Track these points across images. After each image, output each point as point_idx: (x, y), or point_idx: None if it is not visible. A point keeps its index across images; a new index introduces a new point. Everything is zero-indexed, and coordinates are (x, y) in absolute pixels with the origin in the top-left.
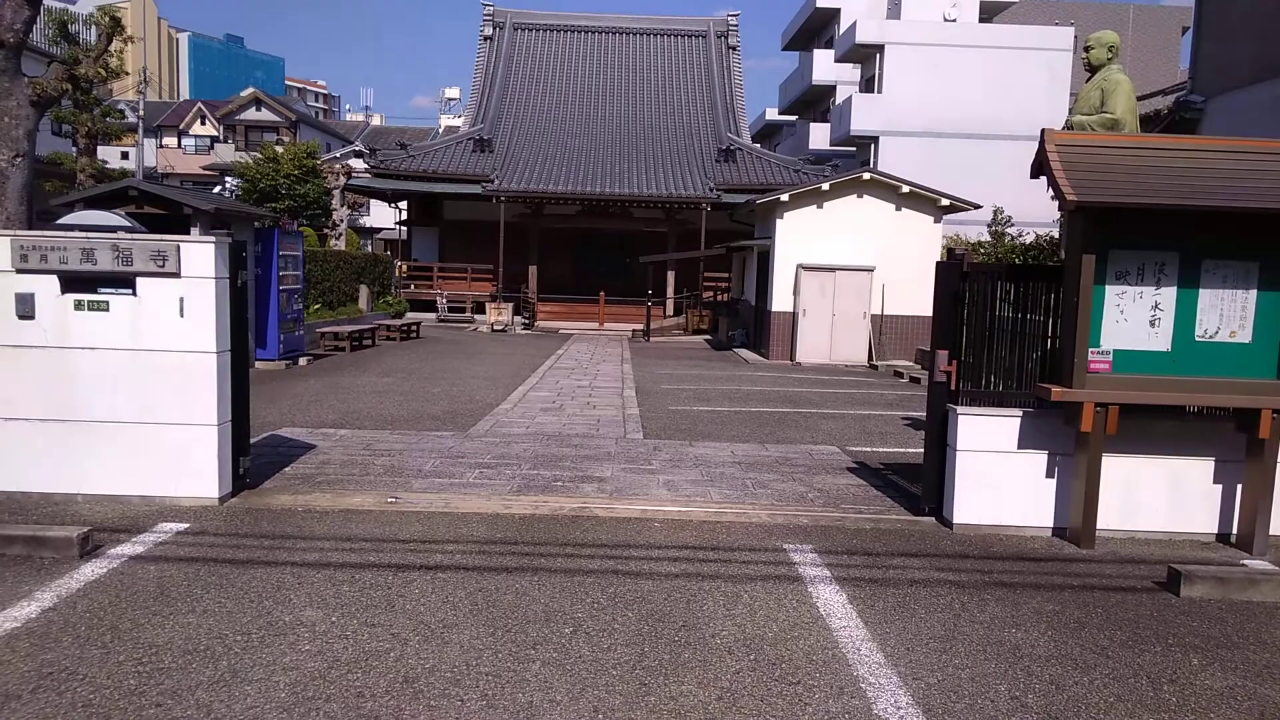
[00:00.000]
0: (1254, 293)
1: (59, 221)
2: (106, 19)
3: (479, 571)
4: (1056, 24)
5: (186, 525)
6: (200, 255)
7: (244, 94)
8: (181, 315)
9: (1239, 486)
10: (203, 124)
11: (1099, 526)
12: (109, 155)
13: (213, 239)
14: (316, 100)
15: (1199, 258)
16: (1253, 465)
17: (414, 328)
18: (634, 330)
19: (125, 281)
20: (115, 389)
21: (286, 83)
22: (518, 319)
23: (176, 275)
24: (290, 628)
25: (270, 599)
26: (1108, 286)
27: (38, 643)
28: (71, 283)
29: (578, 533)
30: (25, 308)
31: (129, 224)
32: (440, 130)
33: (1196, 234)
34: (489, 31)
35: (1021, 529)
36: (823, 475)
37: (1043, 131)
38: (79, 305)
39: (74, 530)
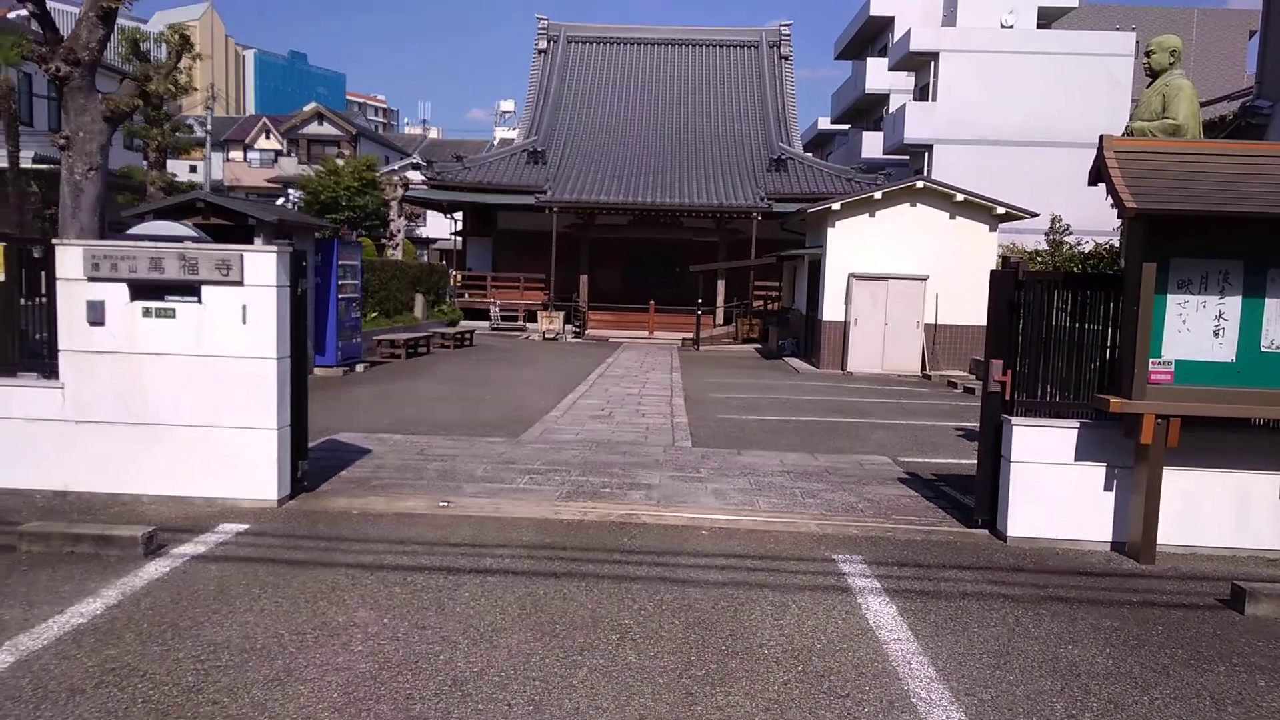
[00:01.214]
0: None
1: (128, 232)
2: (176, 37)
3: (528, 576)
4: (1117, 28)
5: (246, 526)
6: (262, 264)
7: (306, 109)
8: (244, 322)
9: None
10: (267, 138)
11: (1159, 541)
12: (178, 169)
13: (274, 248)
14: (376, 114)
15: (1265, 266)
16: None
17: (468, 336)
18: (684, 339)
19: (191, 289)
20: (180, 393)
21: (347, 97)
22: (569, 327)
23: (240, 284)
24: (344, 628)
25: (325, 599)
26: (1169, 295)
27: (102, 639)
28: (140, 290)
29: (625, 539)
30: (96, 314)
31: (195, 234)
32: (495, 142)
33: (1262, 242)
34: (543, 45)
35: (1078, 543)
36: (873, 485)
37: (1101, 138)
38: (147, 312)
39: (139, 529)
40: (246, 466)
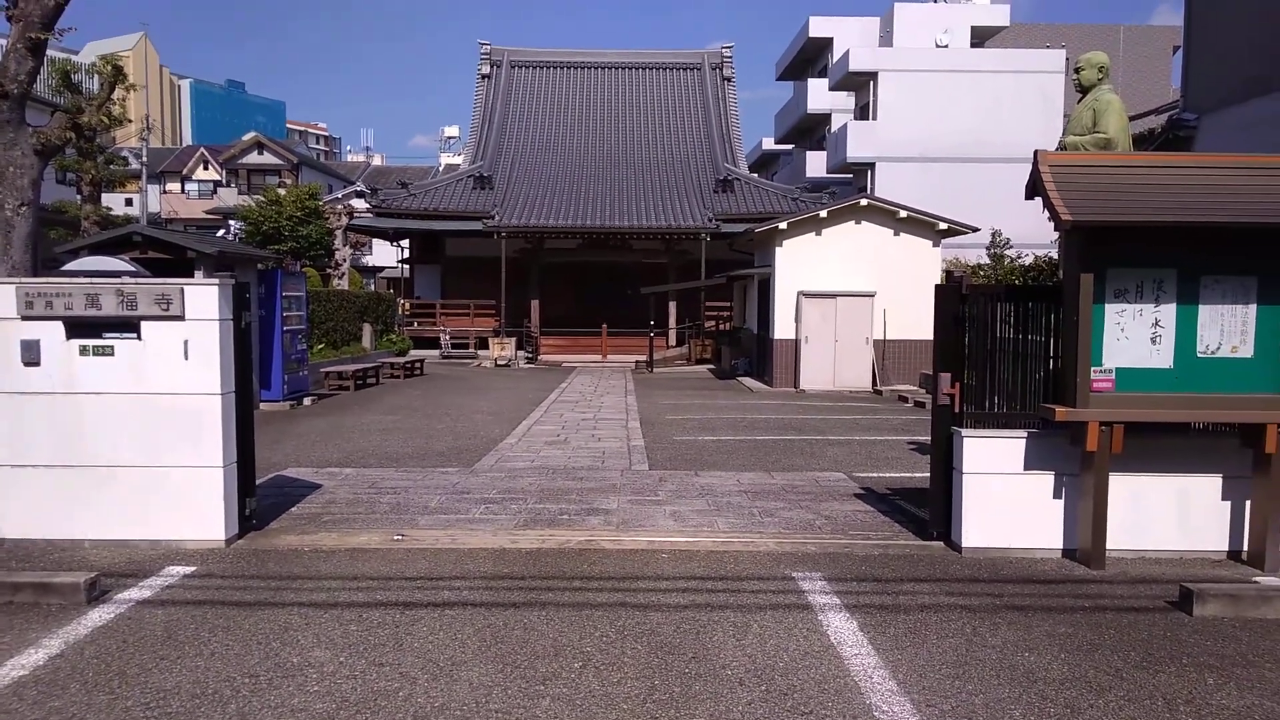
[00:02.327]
0: (1254, 307)
1: (63, 268)
2: (109, 68)
3: (486, 607)
4: (1047, 47)
5: (193, 568)
6: (204, 298)
7: (246, 138)
8: (186, 358)
9: (1248, 503)
10: (205, 169)
11: (1109, 546)
12: (113, 202)
13: (215, 281)
14: (318, 142)
15: (1197, 274)
16: (1260, 481)
17: (417, 365)
18: (637, 361)
19: (130, 326)
20: (121, 433)
21: (288, 126)
22: (521, 353)
23: (180, 318)
24: (298, 669)
25: (278, 640)
26: (1107, 305)
27: (45, 690)
28: (76, 328)
29: (585, 566)
30: (31, 354)
31: (133, 269)
32: (440, 168)
33: (1194, 250)
34: (486, 70)
35: (1031, 551)
36: (830, 502)
37: (1036, 153)
38: (84, 350)
39: (81, 576)
40: (192, 506)
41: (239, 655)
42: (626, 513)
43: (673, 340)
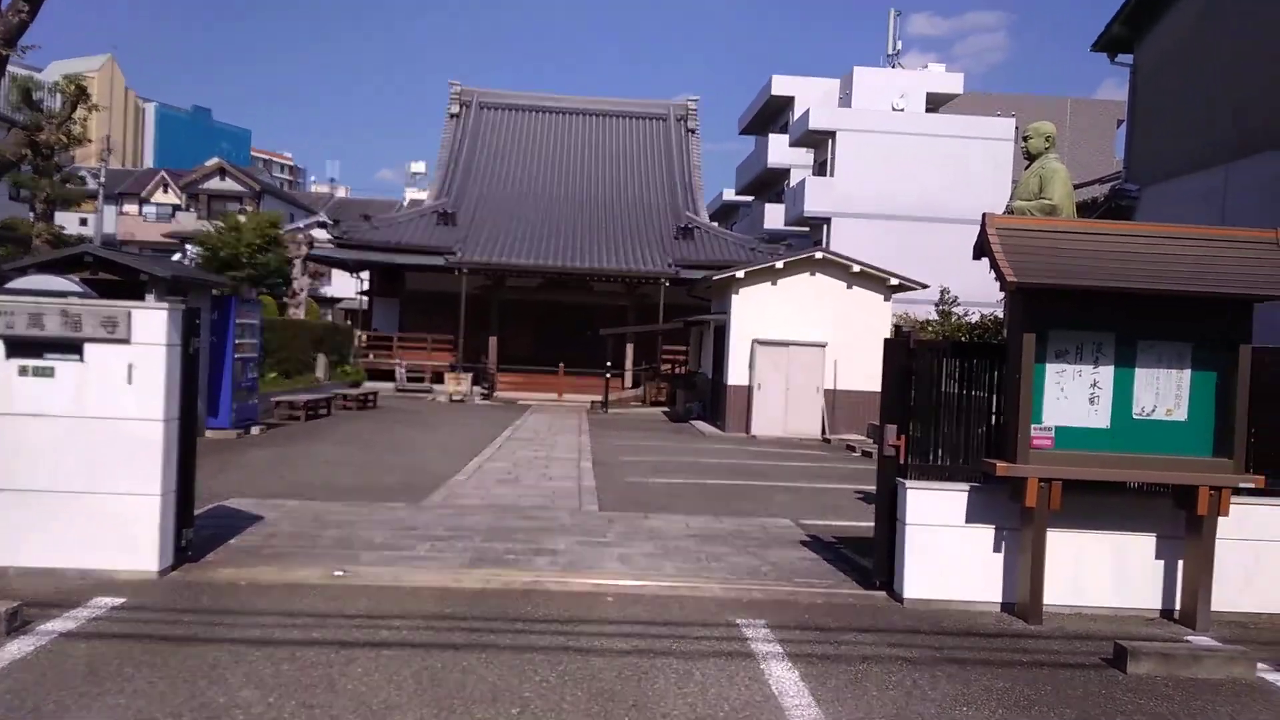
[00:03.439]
0: (1188, 372)
1: (7, 286)
2: (72, 87)
3: (425, 648)
4: (999, 114)
5: (123, 600)
6: (152, 322)
7: (209, 163)
8: (130, 382)
9: (1180, 563)
10: (165, 192)
11: (1046, 602)
12: (67, 221)
13: (164, 305)
14: (282, 171)
15: (1134, 338)
16: (1192, 541)
17: (371, 397)
18: (592, 401)
19: (73, 347)
20: (57, 457)
21: (253, 154)
22: (477, 389)
23: (126, 341)
24: (225, 709)
25: (205, 678)
26: (1048, 364)
27: None
28: (17, 347)
29: (529, 608)
30: None
31: (80, 289)
32: (405, 203)
33: (1132, 315)
34: (455, 109)
35: (971, 604)
36: (776, 549)
37: (984, 216)
38: (23, 371)
39: (1, 605)
40: (126, 535)
41: (163, 694)
42: (574, 554)
43: (629, 382)
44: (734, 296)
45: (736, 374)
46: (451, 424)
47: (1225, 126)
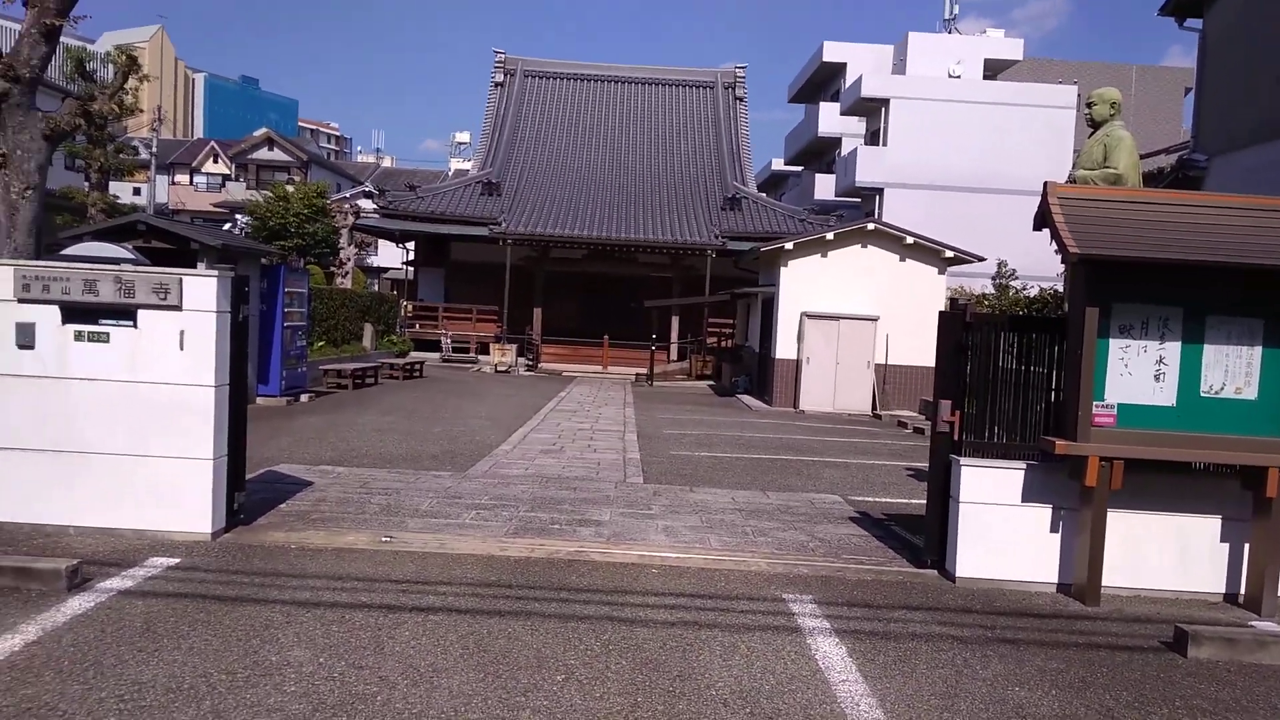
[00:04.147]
0: (1259, 350)
1: (63, 253)
2: (124, 58)
3: (471, 614)
4: (1060, 82)
5: (177, 560)
6: (202, 289)
7: (257, 134)
8: (181, 348)
9: (1246, 546)
10: (215, 162)
11: (1104, 583)
12: (121, 191)
13: (215, 273)
14: (329, 142)
15: (1203, 314)
16: (1260, 524)
17: (417, 367)
18: (637, 374)
19: (126, 313)
20: (112, 421)
21: (300, 124)
22: (521, 360)
23: (178, 308)
24: (276, 668)
25: (258, 638)
26: (1111, 340)
27: (19, 677)
28: (73, 313)
29: (573, 577)
30: (25, 337)
31: (133, 256)
32: (450, 173)
33: (1201, 290)
34: (500, 78)
35: (1025, 584)
36: (824, 524)
37: (1045, 184)
38: (79, 336)
39: (62, 563)
40: (180, 498)
41: (217, 651)
42: (618, 525)
43: (674, 355)
44: (782, 268)
45: (784, 348)
46: (496, 395)
47: None
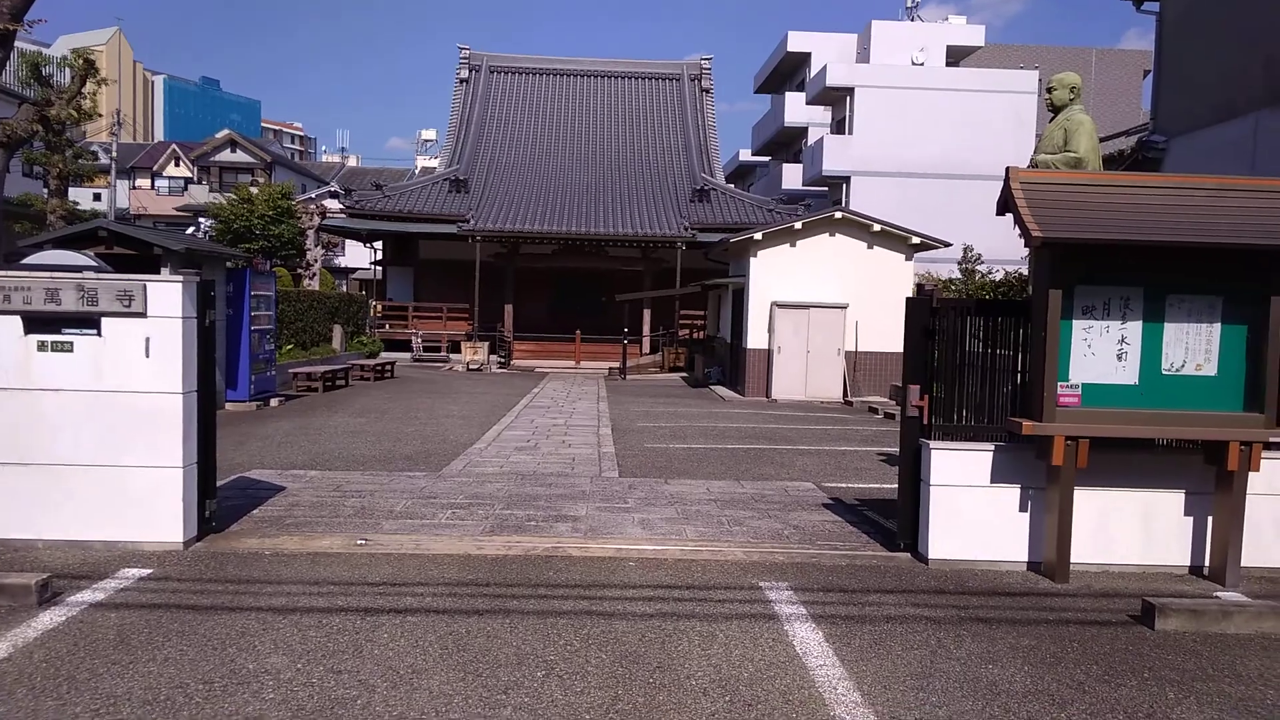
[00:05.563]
0: (1218, 326)
1: (24, 261)
2: (80, 61)
3: (449, 614)
4: (1021, 67)
5: (150, 571)
6: (167, 295)
7: (219, 136)
8: (147, 355)
9: (1210, 519)
10: (177, 165)
11: (1073, 560)
12: (81, 197)
13: (179, 278)
14: (293, 142)
15: (1163, 292)
16: (1222, 497)
17: (388, 367)
18: (610, 368)
19: (90, 322)
20: (78, 431)
21: (263, 125)
22: (493, 358)
23: (143, 315)
24: (254, 676)
25: (234, 646)
26: (1075, 321)
27: None
28: (35, 323)
29: (551, 573)
30: None
31: (95, 264)
32: (416, 171)
33: (1160, 269)
34: (465, 74)
35: (996, 564)
36: (798, 512)
37: (1008, 170)
38: (42, 346)
39: (32, 577)
40: (150, 508)
41: (193, 661)
42: (595, 520)
43: (646, 348)
44: (752, 259)
45: (756, 337)
46: (469, 393)
47: (1255, 74)
